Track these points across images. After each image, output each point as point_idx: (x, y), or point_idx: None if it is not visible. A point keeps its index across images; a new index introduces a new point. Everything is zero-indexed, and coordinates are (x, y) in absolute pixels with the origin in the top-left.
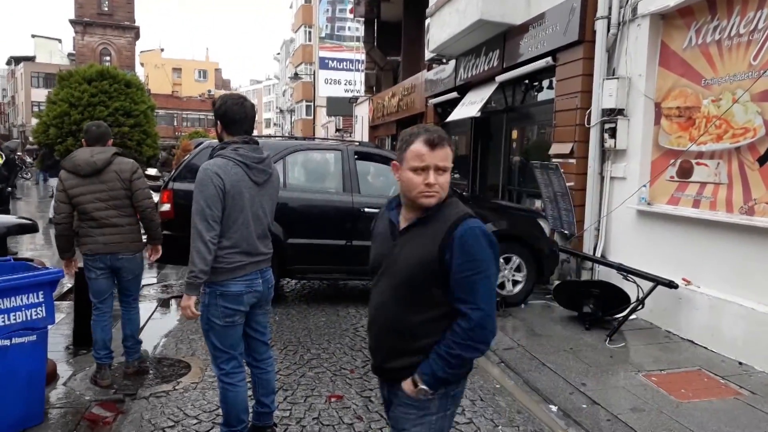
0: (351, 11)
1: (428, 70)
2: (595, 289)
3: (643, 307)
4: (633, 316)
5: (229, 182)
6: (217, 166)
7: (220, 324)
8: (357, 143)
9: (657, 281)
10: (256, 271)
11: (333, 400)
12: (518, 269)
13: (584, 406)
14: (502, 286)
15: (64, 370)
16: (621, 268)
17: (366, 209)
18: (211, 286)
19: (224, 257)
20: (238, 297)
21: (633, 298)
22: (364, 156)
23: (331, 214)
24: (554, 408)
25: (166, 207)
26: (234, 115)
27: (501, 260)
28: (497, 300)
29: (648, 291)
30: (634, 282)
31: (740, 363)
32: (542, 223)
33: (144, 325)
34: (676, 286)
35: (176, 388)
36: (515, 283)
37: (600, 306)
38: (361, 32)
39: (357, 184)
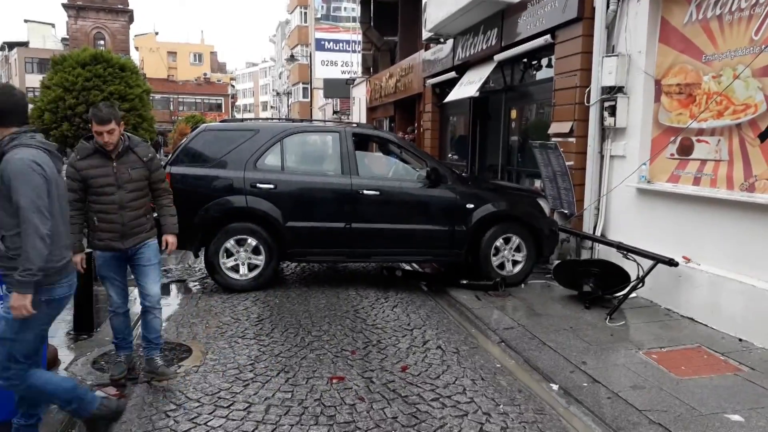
0: None
1: (426, 50)
2: (595, 268)
3: (643, 285)
4: (633, 295)
5: (48, 169)
6: (31, 154)
7: (33, 332)
8: (355, 125)
9: (657, 259)
10: (72, 270)
11: (335, 381)
12: (518, 249)
13: (585, 384)
14: (501, 266)
15: (65, 356)
16: (621, 247)
17: (365, 191)
18: (38, 290)
19: (52, 254)
20: (62, 301)
21: (633, 277)
22: (362, 138)
23: (330, 196)
24: (555, 386)
25: None
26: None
27: (500, 240)
28: (497, 280)
29: (648, 269)
30: (634, 260)
31: (740, 339)
32: (542, 202)
33: None
34: (676, 264)
35: (177, 371)
36: (515, 263)
37: (600, 285)
38: (357, 12)
39: (355, 166)
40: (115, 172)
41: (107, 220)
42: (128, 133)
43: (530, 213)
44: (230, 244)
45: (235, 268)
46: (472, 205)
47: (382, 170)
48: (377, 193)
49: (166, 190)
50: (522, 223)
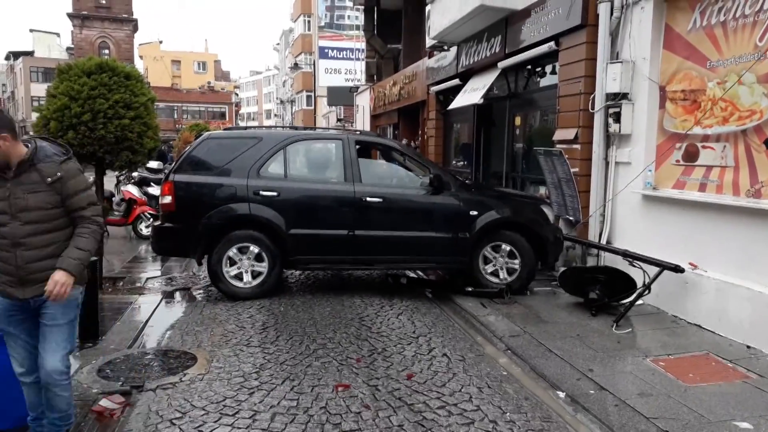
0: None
1: (429, 57)
2: (601, 275)
3: (649, 292)
4: (639, 302)
5: None
6: None
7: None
8: (357, 132)
9: (663, 266)
10: None
11: (340, 389)
12: (511, 256)
13: (592, 391)
14: (496, 273)
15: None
16: (627, 255)
17: (368, 198)
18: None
19: None
20: None
21: (639, 284)
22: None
23: (333, 204)
24: (562, 394)
25: (168, 199)
26: None
27: (489, 249)
28: (503, 287)
29: (654, 276)
30: (641, 267)
31: (748, 346)
32: (545, 209)
33: (149, 317)
34: (682, 270)
35: (183, 379)
36: (512, 271)
37: (606, 292)
38: (360, 20)
39: (358, 173)
40: (8, 195)
41: (1, 258)
42: (45, 142)
43: (534, 220)
44: (233, 252)
45: (239, 276)
46: (475, 212)
47: (385, 177)
48: (380, 200)
49: (88, 218)
50: (524, 230)
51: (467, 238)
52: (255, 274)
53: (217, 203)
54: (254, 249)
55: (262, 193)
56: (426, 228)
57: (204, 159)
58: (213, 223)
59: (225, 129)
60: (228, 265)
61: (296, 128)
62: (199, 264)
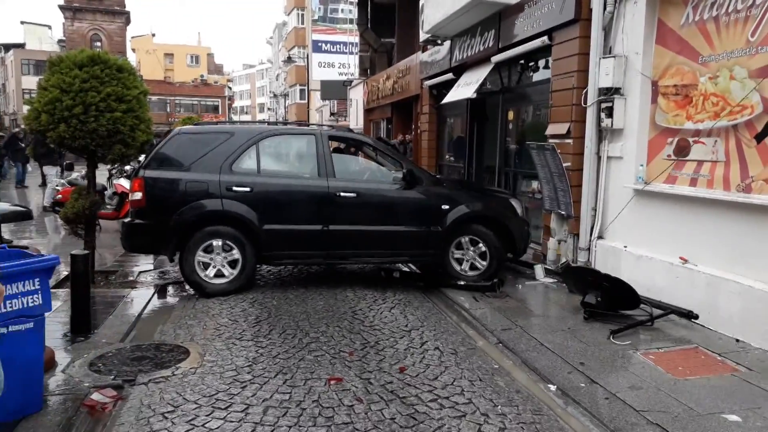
0: None
1: (423, 51)
2: (606, 282)
3: (652, 324)
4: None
5: None
6: None
7: None
8: (330, 127)
9: (673, 311)
10: None
11: (333, 382)
12: (474, 244)
13: (582, 384)
14: (472, 266)
15: (62, 358)
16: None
17: (342, 193)
18: None
19: None
20: None
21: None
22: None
23: (307, 199)
24: (553, 387)
25: (138, 195)
26: None
27: (461, 241)
28: (495, 281)
29: (661, 314)
30: (648, 304)
31: (737, 340)
32: (514, 203)
33: (142, 311)
34: (696, 317)
35: (175, 373)
36: (483, 259)
37: (606, 300)
38: (354, 14)
39: (332, 168)
40: None
41: None
42: None
43: (503, 213)
44: (201, 254)
45: (217, 274)
46: (447, 207)
47: (358, 172)
48: (354, 195)
49: None
50: (494, 223)
51: (439, 231)
52: (233, 264)
53: (188, 199)
54: (227, 245)
55: (234, 188)
56: (399, 222)
57: (175, 155)
58: (185, 220)
59: (195, 124)
60: (201, 267)
61: (268, 123)
62: (171, 261)
